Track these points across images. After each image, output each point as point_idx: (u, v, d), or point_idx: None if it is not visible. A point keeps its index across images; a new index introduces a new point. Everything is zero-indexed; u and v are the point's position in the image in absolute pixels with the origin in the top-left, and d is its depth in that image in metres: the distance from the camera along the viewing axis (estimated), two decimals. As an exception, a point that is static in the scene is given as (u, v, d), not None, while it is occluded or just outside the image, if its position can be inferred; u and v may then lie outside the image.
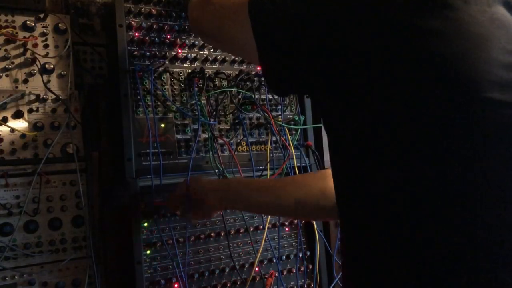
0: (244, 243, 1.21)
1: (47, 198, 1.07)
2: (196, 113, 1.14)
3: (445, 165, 0.57)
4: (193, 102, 1.16)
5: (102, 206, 1.16)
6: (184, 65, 1.19)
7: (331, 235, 1.34)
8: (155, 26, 1.15)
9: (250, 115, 1.26)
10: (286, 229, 1.28)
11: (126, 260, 1.08)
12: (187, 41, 1.19)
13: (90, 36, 1.32)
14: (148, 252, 1.09)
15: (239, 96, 1.24)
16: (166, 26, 1.16)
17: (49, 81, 1.12)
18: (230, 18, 0.80)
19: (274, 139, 1.26)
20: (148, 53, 1.14)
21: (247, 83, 1.25)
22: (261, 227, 1.24)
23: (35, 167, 1.06)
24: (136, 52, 1.12)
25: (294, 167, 1.25)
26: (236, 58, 1.25)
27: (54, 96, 1.11)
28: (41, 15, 1.12)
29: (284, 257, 1.26)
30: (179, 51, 1.18)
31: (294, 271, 1.26)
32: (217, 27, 0.85)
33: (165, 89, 1.15)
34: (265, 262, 1.24)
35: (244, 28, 0.71)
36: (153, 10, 1.15)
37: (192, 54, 1.20)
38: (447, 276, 0.57)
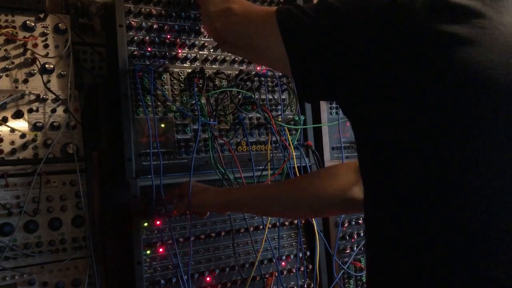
0: (244, 243, 1.21)
1: (47, 198, 1.07)
2: (196, 113, 1.14)
3: (478, 170, 0.57)
4: (193, 102, 1.16)
5: (102, 206, 1.16)
6: (184, 65, 1.19)
7: (331, 235, 1.34)
8: (155, 26, 1.15)
9: (250, 115, 1.26)
10: (286, 229, 1.28)
11: (126, 260, 1.08)
12: (187, 41, 1.19)
13: (90, 36, 1.32)
14: (148, 252, 1.09)
15: (239, 96, 1.24)
16: (166, 26, 1.16)
17: (49, 81, 1.12)
18: (257, 28, 0.80)
19: (274, 139, 1.26)
20: (148, 53, 1.14)
21: (247, 83, 1.25)
22: (261, 227, 1.24)
23: (35, 167, 1.06)
24: (136, 52, 1.12)
25: (294, 167, 1.25)
26: (236, 58, 1.25)
27: (54, 96, 1.11)
28: (41, 15, 1.12)
29: (284, 257, 1.26)
30: (179, 51, 1.18)
31: (294, 271, 1.26)
32: (244, 38, 0.85)
33: (165, 89, 1.15)
34: (265, 262, 1.24)
35: (273, 38, 0.72)
36: (153, 10, 1.15)
37: (192, 54, 1.20)
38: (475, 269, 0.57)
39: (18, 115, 1.06)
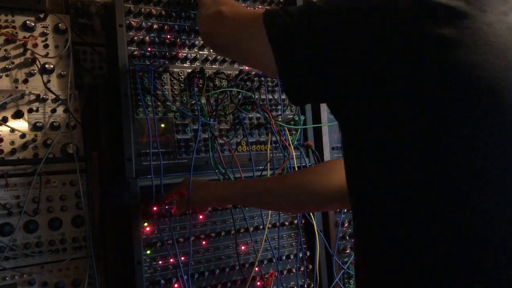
0: (244, 243, 1.21)
1: (47, 198, 1.07)
2: (196, 113, 1.14)
3: (462, 169, 0.57)
4: (193, 102, 1.16)
5: (102, 206, 1.16)
6: (184, 65, 1.19)
7: (331, 235, 1.34)
8: (155, 26, 1.15)
9: (250, 115, 1.26)
10: (286, 229, 1.28)
11: (126, 260, 1.08)
12: (187, 41, 1.19)
13: (90, 36, 1.32)
14: (148, 252, 1.09)
15: (239, 96, 1.24)
16: (166, 26, 1.16)
17: (49, 81, 1.12)
18: (245, 31, 0.81)
19: (274, 139, 1.26)
20: (148, 53, 1.14)
21: (247, 83, 1.25)
22: (261, 227, 1.24)
23: (35, 167, 1.06)
24: (136, 52, 1.12)
25: (294, 167, 1.25)
26: (236, 58, 1.25)
27: (54, 96, 1.11)
28: (41, 15, 1.12)
29: (284, 257, 1.26)
30: (179, 51, 1.18)
31: (294, 271, 1.26)
32: (232, 40, 0.85)
33: (165, 89, 1.15)
34: (265, 262, 1.24)
35: (261, 41, 0.72)
36: (153, 10, 1.15)
37: (192, 54, 1.20)
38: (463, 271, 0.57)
39: (18, 115, 1.06)
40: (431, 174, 0.58)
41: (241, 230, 1.20)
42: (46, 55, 1.12)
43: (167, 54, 1.17)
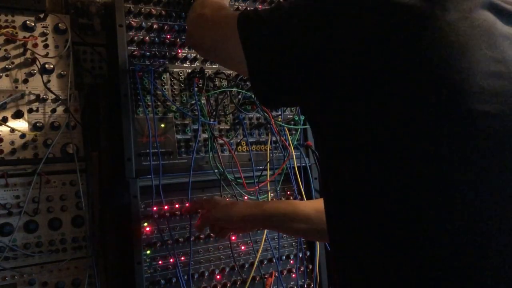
0: (244, 243, 1.21)
1: (47, 198, 1.07)
2: (196, 113, 1.14)
3: (430, 169, 0.56)
4: (193, 102, 1.16)
5: (102, 206, 1.16)
6: (184, 65, 1.19)
7: (331, 235, 1.34)
8: (155, 26, 1.15)
9: (250, 115, 1.26)
10: (286, 229, 1.28)
11: (126, 260, 1.08)
12: (187, 41, 1.19)
13: (90, 36, 1.32)
14: (148, 252, 1.09)
15: (239, 96, 1.24)
16: (166, 26, 1.16)
17: (49, 81, 1.12)
18: (221, 33, 0.82)
19: (274, 139, 1.26)
20: (148, 53, 1.14)
21: (247, 83, 1.25)
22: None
23: (35, 167, 1.06)
24: (136, 52, 1.12)
25: (294, 167, 1.25)
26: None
27: (54, 96, 1.11)
28: (41, 15, 1.12)
29: (284, 257, 1.26)
30: (179, 51, 1.18)
31: (294, 271, 1.26)
32: (211, 42, 0.86)
33: (165, 89, 1.15)
34: (265, 262, 1.24)
35: (235, 43, 0.73)
36: (153, 10, 1.15)
37: (192, 54, 1.20)
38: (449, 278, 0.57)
39: (18, 115, 1.06)
40: (424, 174, 0.57)
41: (241, 230, 1.21)
42: (46, 55, 1.12)
43: (167, 54, 1.17)
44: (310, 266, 1.29)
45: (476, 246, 0.55)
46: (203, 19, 0.88)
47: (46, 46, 1.12)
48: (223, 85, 1.22)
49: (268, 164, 1.23)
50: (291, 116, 1.30)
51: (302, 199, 1.27)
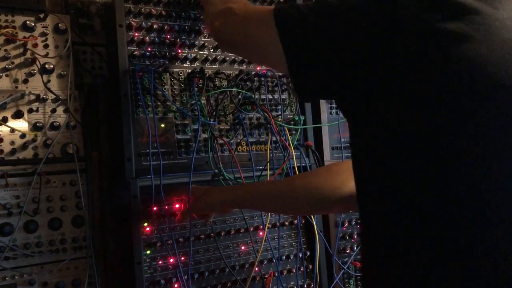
0: (244, 243, 1.21)
1: (47, 198, 1.07)
2: (196, 113, 1.14)
3: (477, 165, 0.57)
4: (193, 102, 1.16)
5: (102, 206, 1.16)
6: (184, 65, 1.19)
7: (331, 235, 1.34)
8: (155, 26, 1.15)
9: (250, 115, 1.26)
10: (286, 229, 1.28)
11: (126, 260, 1.08)
12: (187, 41, 1.19)
13: (90, 36, 1.32)
14: (148, 252, 1.09)
15: (239, 96, 1.24)
16: (166, 26, 1.16)
17: (49, 81, 1.12)
18: (255, 28, 0.80)
19: (274, 139, 1.26)
20: (148, 53, 1.14)
21: (247, 83, 1.25)
22: (261, 227, 1.24)
23: (35, 167, 1.06)
24: (136, 52, 1.12)
25: (294, 167, 1.25)
26: (236, 58, 1.25)
27: (54, 96, 1.11)
28: (41, 15, 1.12)
29: (284, 257, 1.26)
30: (179, 51, 1.18)
31: (294, 271, 1.26)
32: (243, 37, 0.85)
33: (165, 89, 1.15)
34: (265, 262, 1.24)
35: (271, 38, 0.72)
36: (153, 10, 1.15)
37: (192, 54, 1.20)
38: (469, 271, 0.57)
39: (18, 115, 1.06)
40: (439, 173, 0.58)
41: (241, 230, 1.20)
42: (46, 55, 1.12)
43: (167, 54, 1.17)
44: (310, 266, 1.29)
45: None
46: (232, 13, 0.86)
47: (46, 46, 1.12)
48: (223, 85, 1.22)
49: (268, 164, 1.23)
50: (291, 116, 1.30)
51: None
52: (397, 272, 0.64)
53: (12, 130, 1.06)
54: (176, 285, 1.10)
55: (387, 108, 0.62)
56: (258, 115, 1.27)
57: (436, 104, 0.58)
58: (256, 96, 1.24)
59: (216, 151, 1.15)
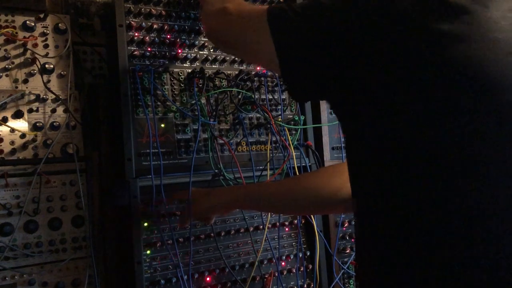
0: (244, 243, 1.21)
1: (47, 198, 1.07)
2: (196, 113, 1.14)
3: (468, 165, 0.57)
4: (193, 102, 1.16)
5: (102, 206, 1.16)
6: (184, 65, 1.19)
7: (331, 235, 1.34)
8: (155, 26, 1.15)
9: (250, 115, 1.26)
10: (286, 229, 1.28)
11: (126, 260, 1.08)
12: (187, 41, 1.19)
13: (90, 36, 1.32)
14: (148, 252, 1.09)
15: (239, 96, 1.23)
16: (166, 26, 1.16)
17: (49, 81, 1.12)
18: (250, 27, 0.81)
19: (274, 139, 1.26)
20: (148, 53, 1.14)
21: (247, 83, 1.25)
22: (261, 227, 1.24)
23: (35, 167, 1.06)
24: (136, 52, 1.12)
25: (294, 167, 1.25)
26: (236, 58, 1.25)
27: (54, 96, 1.11)
28: (41, 15, 1.12)
29: (284, 257, 1.26)
30: (179, 51, 1.18)
31: (294, 271, 1.26)
32: (237, 36, 0.86)
33: (165, 89, 1.15)
34: (265, 262, 1.24)
35: (264, 37, 0.72)
36: (153, 10, 1.15)
37: (192, 54, 1.20)
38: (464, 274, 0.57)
39: (18, 115, 1.06)
40: (433, 171, 0.58)
41: (241, 230, 1.20)
42: (46, 55, 1.12)
43: (167, 54, 1.17)
44: (310, 266, 1.29)
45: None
46: (227, 13, 0.86)
47: (46, 46, 1.12)
48: (223, 85, 1.22)
49: (268, 164, 1.23)
50: (291, 116, 1.30)
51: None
52: (391, 270, 0.64)
53: (12, 130, 1.06)
54: (176, 285, 1.10)
55: (381, 108, 0.62)
56: (258, 115, 1.27)
57: (428, 103, 0.58)
58: (256, 96, 1.24)
59: (216, 151, 1.15)
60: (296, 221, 1.28)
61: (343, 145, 1.40)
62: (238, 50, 0.93)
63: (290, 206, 1.05)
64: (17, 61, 1.09)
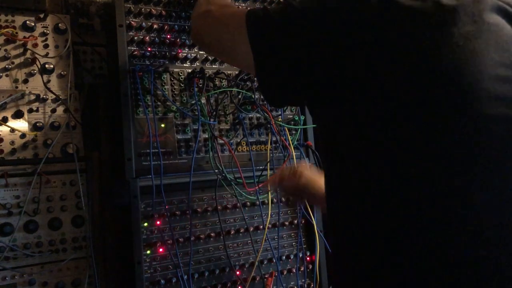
0: (244, 243, 1.21)
1: (47, 198, 1.07)
2: (196, 113, 1.14)
3: (438, 171, 0.57)
4: (193, 102, 1.16)
5: (102, 206, 1.16)
6: (184, 65, 1.19)
7: (331, 235, 1.34)
8: (155, 26, 1.15)
9: (250, 115, 1.26)
10: (286, 229, 1.28)
11: (126, 260, 1.08)
12: (187, 41, 1.19)
13: (90, 36, 1.32)
14: (148, 252, 1.09)
15: (239, 96, 1.23)
16: (166, 26, 1.16)
17: (49, 81, 1.12)
18: (228, 30, 0.82)
19: (274, 139, 1.26)
20: (148, 53, 1.14)
21: (247, 83, 1.25)
22: (261, 227, 1.24)
23: (35, 167, 1.06)
24: (136, 52, 1.12)
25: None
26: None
27: (54, 96, 1.11)
28: (41, 15, 1.12)
29: (284, 257, 1.26)
30: (179, 51, 1.18)
31: (294, 271, 1.26)
32: (217, 38, 0.86)
33: (165, 89, 1.15)
34: (265, 262, 1.24)
35: (242, 41, 0.73)
36: (153, 10, 1.15)
37: (192, 54, 1.20)
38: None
39: (18, 115, 1.06)
40: (432, 176, 0.58)
41: (241, 230, 1.20)
42: (46, 55, 1.12)
43: (167, 54, 1.17)
44: (310, 266, 1.29)
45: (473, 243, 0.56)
46: (209, 16, 0.87)
47: (46, 46, 1.12)
48: (223, 85, 1.22)
49: (268, 164, 1.23)
50: (291, 116, 1.30)
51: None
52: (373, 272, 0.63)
53: (12, 130, 1.06)
54: (176, 285, 1.10)
55: (367, 110, 0.61)
56: (258, 115, 1.27)
57: (419, 105, 0.57)
58: (256, 96, 1.24)
59: (216, 151, 1.15)
60: (296, 221, 1.28)
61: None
62: (217, 52, 0.95)
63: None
64: (17, 61, 1.09)
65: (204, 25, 0.90)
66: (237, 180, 1.17)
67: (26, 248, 1.03)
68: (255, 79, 0.97)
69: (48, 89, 1.10)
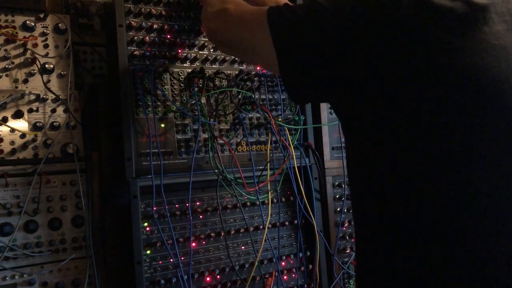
0: (244, 243, 1.21)
1: (47, 198, 1.07)
2: (196, 113, 1.14)
3: (468, 169, 0.58)
4: (193, 102, 1.16)
5: (102, 206, 1.16)
6: (184, 65, 1.19)
7: (331, 235, 1.34)
8: (155, 26, 1.15)
9: (250, 115, 1.26)
10: (286, 229, 1.28)
11: (126, 260, 1.08)
12: (187, 41, 1.19)
13: (90, 36, 1.32)
14: (148, 252, 1.09)
15: (239, 96, 1.24)
16: (166, 26, 1.16)
17: (49, 81, 1.12)
18: (249, 28, 0.81)
19: (274, 139, 1.26)
20: (148, 53, 1.14)
21: (247, 83, 1.25)
22: (261, 227, 1.24)
23: (35, 167, 1.06)
24: (136, 52, 1.12)
25: (294, 167, 1.25)
26: (236, 58, 1.25)
27: (54, 96, 1.11)
28: (41, 15, 1.12)
29: (284, 257, 1.26)
30: (179, 51, 1.18)
31: (294, 271, 1.26)
32: (237, 37, 0.85)
33: (165, 89, 1.15)
34: (265, 262, 1.24)
35: (264, 38, 0.72)
36: (153, 10, 1.15)
37: (192, 54, 1.20)
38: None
39: (18, 115, 1.06)
40: (426, 172, 0.59)
41: (241, 230, 1.20)
42: (46, 55, 1.12)
43: (167, 54, 1.17)
44: (310, 266, 1.29)
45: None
46: (227, 14, 0.86)
47: (46, 46, 1.12)
48: (223, 85, 1.22)
49: (268, 164, 1.23)
50: (291, 116, 1.30)
51: (302, 199, 1.27)
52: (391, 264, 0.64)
53: (12, 130, 1.06)
54: (176, 285, 1.10)
55: (386, 109, 0.62)
56: (258, 115, 1.27)
57: (435, 106, 0.58)
58: (256, 96, 1.24)
59: (216, 151, 1.15)
60: (296, 221, 1.28)
61: (343, 145, 1.40)
62: (237, 51, 0.93)
63: None
64: (17, 61, 1.09)
65: (222, 24, 0.88)
66: (237, 180, 1.17)
67: (26, 248, 1.03)
68: (279, 77, 0.95)
69: (48, 89, 1.10)
